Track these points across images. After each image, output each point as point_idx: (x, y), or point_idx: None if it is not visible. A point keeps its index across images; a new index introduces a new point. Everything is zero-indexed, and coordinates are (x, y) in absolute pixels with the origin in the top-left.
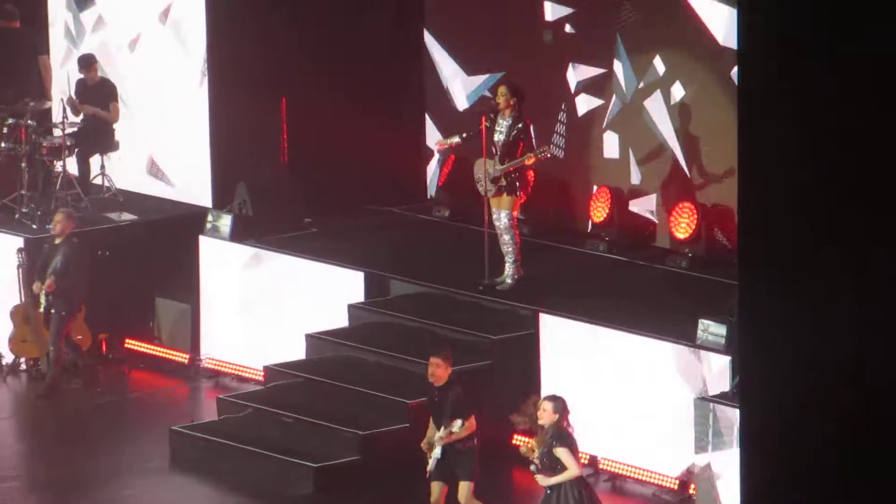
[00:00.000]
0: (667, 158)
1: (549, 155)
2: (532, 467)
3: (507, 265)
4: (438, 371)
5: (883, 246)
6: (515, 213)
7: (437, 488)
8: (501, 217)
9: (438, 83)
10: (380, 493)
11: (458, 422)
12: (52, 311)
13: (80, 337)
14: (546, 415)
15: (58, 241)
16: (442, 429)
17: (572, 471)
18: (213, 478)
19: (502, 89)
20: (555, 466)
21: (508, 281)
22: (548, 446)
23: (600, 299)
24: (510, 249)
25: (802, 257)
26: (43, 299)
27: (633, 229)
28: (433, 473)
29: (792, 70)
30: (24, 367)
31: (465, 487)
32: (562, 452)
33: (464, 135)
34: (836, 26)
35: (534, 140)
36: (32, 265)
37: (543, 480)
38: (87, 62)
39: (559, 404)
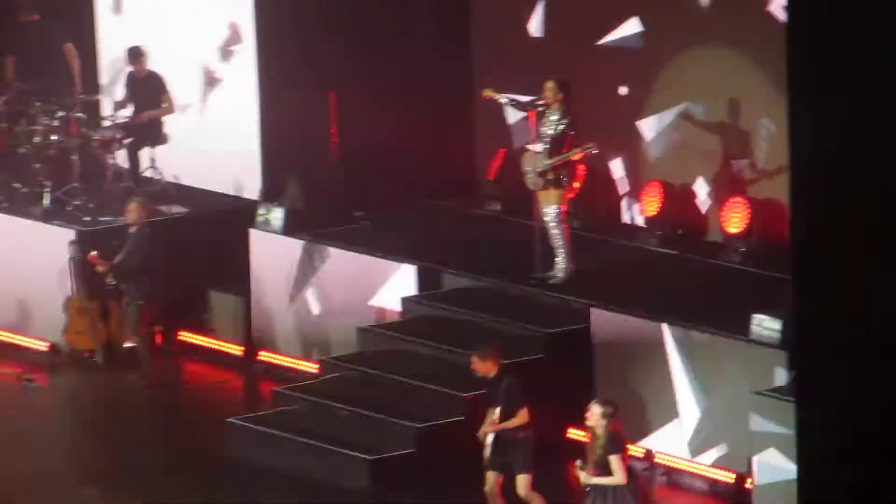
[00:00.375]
0: (718, 153)
1: (595, 151)
2: (578, 462)
3: (558, 259)
4: (480, 367)
5: None
6: (564, 207)
7: (491, 478)
8: (549, 211)
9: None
10: (435, 485)
11: (498, 409)
12: (125, 301)
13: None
14: (594, 418)
15: (132, 229)
16: (488, 422)
17: (618, 478)
18: (267, 470)
19: (550, 84)
20: (604, 469)
21: (560, 274)
22: (602, 450)
23: (653, 294)
24: (560, 243)
25: (857, 252)
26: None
27: (685, 224)
28: (489, 462)
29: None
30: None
31: (523, 480)
32: (614, 460)
33: (514, 101)
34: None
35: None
36: (85, 258)
37: (586, 478)
38: (135, 54)
39: (608, 410)
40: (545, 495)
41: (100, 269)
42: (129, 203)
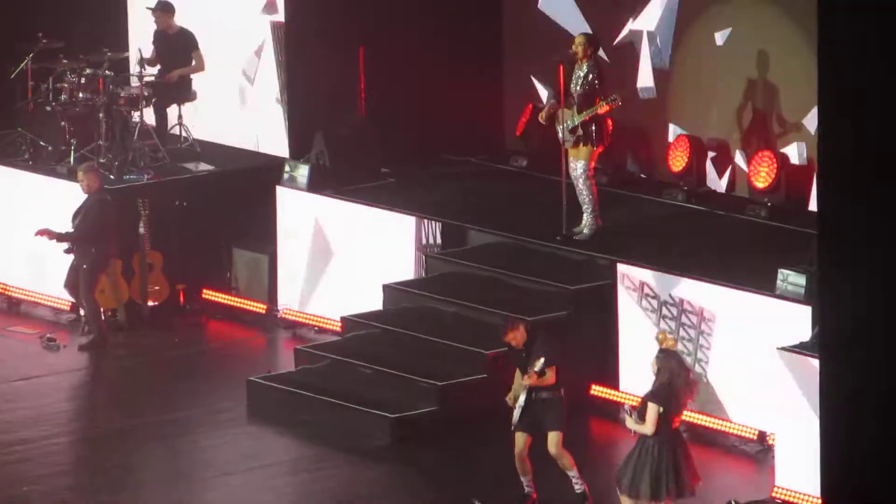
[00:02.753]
0: (747, 107)
1: (619, 103)
2: (626, 407)
3: (584, 215)
4: (513, 338)
5: None
6: (592, 164)
7: (521, 439)
8: (578, 167)
9: (517, 31)
10: (457, 443)
11: (542, 360)
12: (73, 264)
13: (157, 288)
14: (652, 366)
15: (84, 194)
16: (525, 377)
17: (646, 428)
18: (290, 428)
19: (580, 38)
20: (641, 415)
21: (586, 231)
22: (645, 396)
23: (678, 249)
24: (587, 199)
25: (883, 205)
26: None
27: (712, 178)
28: (518, 424)
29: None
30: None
31: (554, 437)
32: (650, 408)
33: (551, 101)
34: None
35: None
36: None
37: (628, 422)
38: (165, 7)
39: (660, 360)
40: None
41: (52, 240)
42: (79, 171)
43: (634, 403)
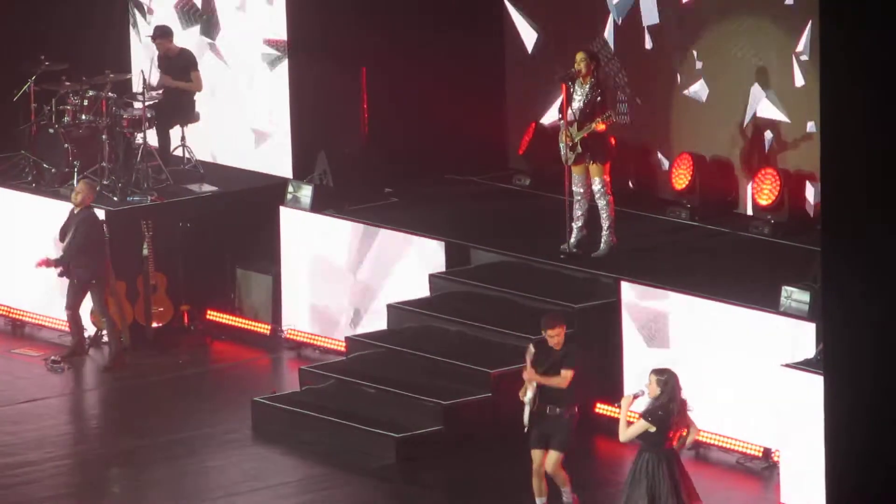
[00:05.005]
0: (749, 124)
1: (614, 120)
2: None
3: (603, 231)
4: (555, 337)
5: None
6: (608, 178)
7: (537, 456)
8: (596, 183)
9: (519, 51)
10: (462, 462)
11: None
12: (74, 283)
13: (161, 309)
14: (651, 388)
15: (77, 210)
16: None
17: (622, 434)
18: (295, 449)
19: (581, 56)
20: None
21: (603, 247)
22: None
23: (682, 267)
24: (606, 215)
25: (887, 222)
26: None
27: (715, 196)
28: (533, 440)
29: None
30: (105, 339)
31: (554, 457)
32: (640, 423)
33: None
34: None
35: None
36: (114, 237)
37: (623, 404)
38: (163, 33)
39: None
40: (572, 468)
41: (50, 267)
42: (79, 184)
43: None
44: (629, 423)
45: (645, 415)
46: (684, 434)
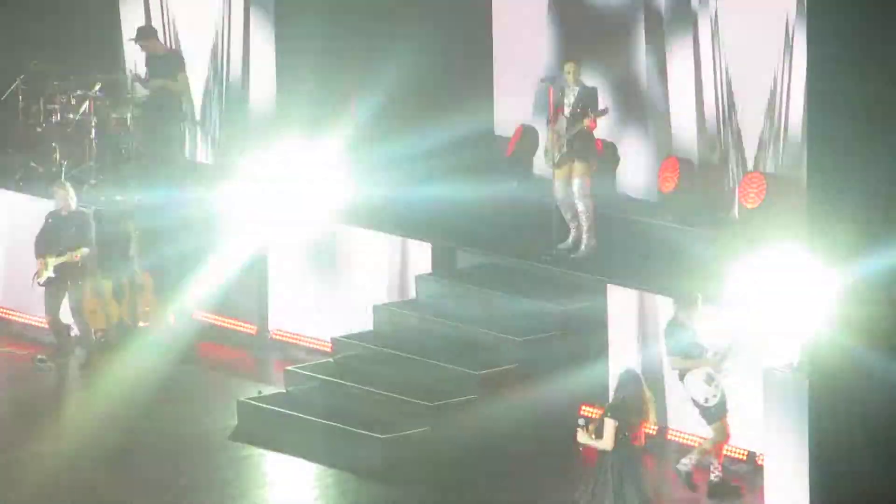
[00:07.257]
0: (734, 128)
1: (600, 117)
2: (581, 421)
3: (583, 234)
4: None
5: None
6: (588, 182)
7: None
8: (574, 185)
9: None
10: (448, 463)
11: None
12: (69, 282)
13: (147, 309)
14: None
15: (64, 213)
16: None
17: (605, 444)
18: (280, 449)
19: (570, 66)
20: (599, 432)
21: (584, 249)
22: (604, 411)
23: (668, 269)
24: (585, 217)
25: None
26: (51, 272)
27: (702, 199)
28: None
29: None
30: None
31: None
32: (608, 423)
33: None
34: None
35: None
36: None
37: (581, 436)
38: (146, 34)
39: (620, 378)
40: (554, 472)
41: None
42: (59, 189)
43: (591, 414)
44: (599, 437)
45: (608, 413)
46: (647, 427)
